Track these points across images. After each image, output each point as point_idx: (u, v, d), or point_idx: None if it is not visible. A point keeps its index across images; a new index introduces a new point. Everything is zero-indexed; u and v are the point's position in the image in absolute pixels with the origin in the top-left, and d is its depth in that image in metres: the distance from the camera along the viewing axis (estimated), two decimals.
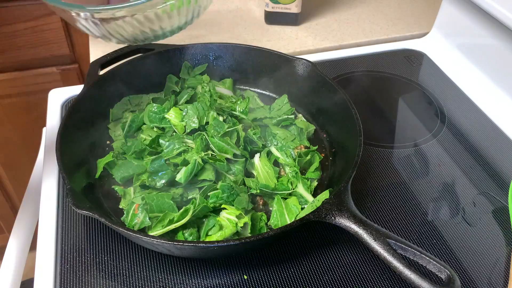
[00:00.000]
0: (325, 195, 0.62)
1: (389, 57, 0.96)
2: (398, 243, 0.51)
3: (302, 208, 0.63)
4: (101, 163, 0.67)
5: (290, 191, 0.65)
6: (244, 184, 0.65)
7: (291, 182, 0.66)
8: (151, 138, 0.69)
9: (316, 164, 0.69)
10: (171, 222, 0.58)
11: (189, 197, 0.64)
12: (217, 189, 0.63)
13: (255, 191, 0.64)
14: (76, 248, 0.60)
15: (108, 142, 0.73)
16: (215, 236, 0.58)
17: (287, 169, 0.68)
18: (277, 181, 0.67)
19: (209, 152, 0.66)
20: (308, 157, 0.69)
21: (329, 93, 0.74)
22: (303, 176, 0.67)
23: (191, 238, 0.59)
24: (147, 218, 0.60)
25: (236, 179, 0.65)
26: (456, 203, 0.68)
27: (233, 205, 0.61)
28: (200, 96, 0.74)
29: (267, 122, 0.76)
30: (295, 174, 0.67)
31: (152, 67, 0.79)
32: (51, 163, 0.71)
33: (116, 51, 0.78)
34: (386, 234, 0.52)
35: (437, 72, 0.93)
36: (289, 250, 0.61)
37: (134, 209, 0.62)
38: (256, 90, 0.84)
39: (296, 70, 0.79)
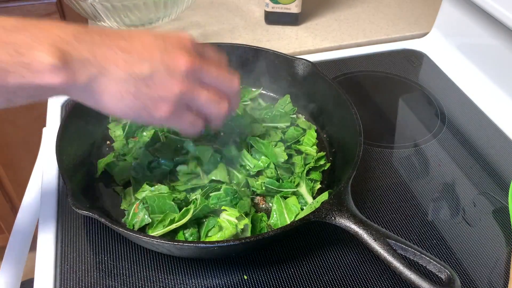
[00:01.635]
0: (324, 196, 0.62)
1: (389, 57, 0.96)
2: (398, 243, 0.51)
3: (301, 209, 0.63)
4: (101, 163, 0.67)
5: (295, 189, 0.65)
6: (247, 186, 0.65)
7: (293, 181, 0.66)
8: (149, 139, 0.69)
9: (325, 167, 0.69)
10: (172, 222, 0.58)
11: (190, 199, 0.64)
12: (219, 190, 0.63)
13: (259, 191, 0.64)
14: (76, 248, 0.60)
15: (108, 142, 0.73)
16: (215, 237, 0.58)
17: (297, 169, 0.68)
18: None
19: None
20: (322, 162, 0.69)
21: (329, 93, 0.74)
22: (307, 177, 0.67)
23: (191, 238, 0.59)
24: (147, 216, 0.60)
25: (239, 181, 0.65)
26: (456, 203, 0.68)
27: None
28: None
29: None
30: (301, 173, 0.67)
31: None
32: (51, 164, 0.71)
33: None
34: (386, 234, 0.52)
35: (437, 72, 0.93)
36: (289, 250, 0.61)
37: (134, 208, 0.62)
38: (254, 89, 0.84)
39: (296, 70, 0.79)
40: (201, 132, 0.57)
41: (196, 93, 0.52)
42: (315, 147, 0.73)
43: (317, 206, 0.58)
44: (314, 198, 0.65)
